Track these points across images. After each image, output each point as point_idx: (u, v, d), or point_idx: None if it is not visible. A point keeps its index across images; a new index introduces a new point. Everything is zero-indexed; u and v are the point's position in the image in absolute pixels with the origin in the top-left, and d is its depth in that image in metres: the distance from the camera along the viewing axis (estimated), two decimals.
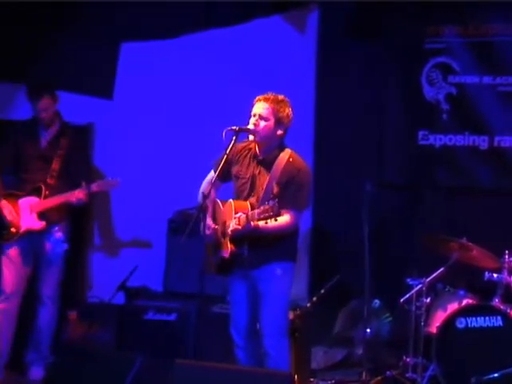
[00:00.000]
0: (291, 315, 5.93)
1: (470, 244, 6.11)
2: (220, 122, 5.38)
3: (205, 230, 5.28)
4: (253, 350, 5.40)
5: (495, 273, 6.07)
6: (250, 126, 5.30)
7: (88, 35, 7.38)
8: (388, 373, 6.26)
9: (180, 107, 7.40)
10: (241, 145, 5.42)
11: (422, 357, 6.09)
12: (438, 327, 6.04)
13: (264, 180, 5.28)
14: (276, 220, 5.02)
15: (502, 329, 5.90)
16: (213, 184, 5.25)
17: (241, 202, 5.31)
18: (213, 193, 5.42)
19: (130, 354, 5.22)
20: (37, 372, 6.33)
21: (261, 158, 5.36)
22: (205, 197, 5.16)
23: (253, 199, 5.30)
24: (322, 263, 7.26)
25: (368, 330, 6.46)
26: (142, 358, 5.03)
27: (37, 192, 6.26)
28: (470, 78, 7.06)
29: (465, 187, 7.08)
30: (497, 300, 6.03)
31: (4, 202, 6.25)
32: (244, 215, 5.13)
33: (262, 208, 5.03)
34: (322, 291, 6.51)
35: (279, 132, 5.32)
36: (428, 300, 6.16)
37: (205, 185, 5.49)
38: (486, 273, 6.09)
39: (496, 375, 5.80)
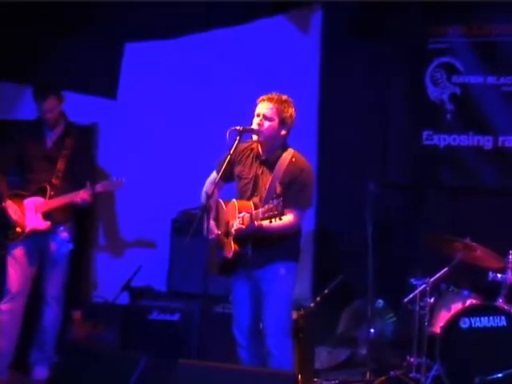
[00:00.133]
0: (295, 315, 5.94)
1: (474, 244, 6.11)
2: (223, 122, 5.39)
3: (208, 234, 5.29)
4: (256, 350, 5.40)
5: (499, 273, 6.06)
6: (254, 126, 5.30)
7: (92, 35, 7.39)
8: (392, 373, 6.25)
9: (184, 107, 7.41)
10: (243, 145, 5.41)
11: (425, 357, 6.08)
12: (441, 327, 6.04)
13: (267, 180, 5.28)
14: (280, 219, 5.03)
15: (505, 329, 5.90)
16: (216, 184, 5.25)
17: (244, 202, 5.31)
18: (216, 193, 5.41)
19: (134, 353, 5.22)
20: (41, 372, 6.34)
21: (263, 157, 5.36)
22: (208, 197, 5.15)
23: (256, 199, 5.31)
24: (326, 263, 7.26)
25: (372, 330, 6.48)
26: (146, 358, 5.03)
27: (42, 192, 6.27)
28: (474, 78, 7.05)
29: (469, 187, 7.08)
30: (501, 300, 6.03)
31: (9, 202, 6.26)
32: (248, 215, 5.14)
33: (266, 207, 5.03)
34: (326, 291, 6.52)
35: (283, 132, 5.32)
36: (432, 300, 6.16)
37: (208, 185, 5.50)
38: (490, 273, 6.09)
39: (500, 375, 5.80)
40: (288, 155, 5.31)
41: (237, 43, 7.39)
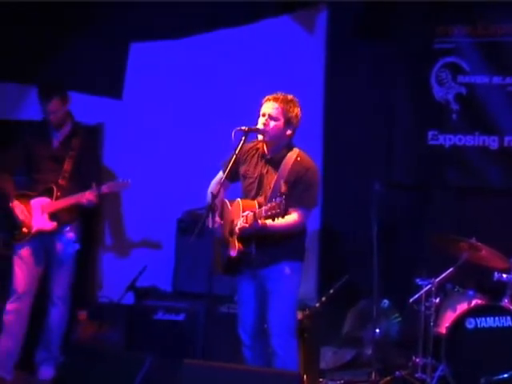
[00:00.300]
0: (300, 315, 5.94)
1: (480, 244, 6.10)
2: (229, 122, 5.39)
3: (213, 224, 5.28)
4: (260, 350, 5.40)
5: (505, 273, 6.06)
6: (260, 126, 5.30)
7: (97, 35, 7.40)
8: (397, 373, 6.25)
9: (189, 107, 7.41)
10: (248, 145, 5.42)
11: (431, 357, 6.07)
12: (447, 327, 6.03)
13: (272, 179, 5.29)
14: (283, 217, 5.02)
15: (511, 329, 5.89)
16: (221, 184, 5.25)
17: (248, 201, 5.32)
18: (221, 193, 5.42)
19: (140, 353, 5.24)
20: (47, 372, 6.34)
21: (269, 157, 5.36)
22: (214, 197, 5.15)
23: (261, 198, 5.31)
24: (331, 263, 7.26)
25: (377, 330, 6.48)
26: (152, 358, 5.04)
27: (48, 193, 6.28)
28: (479, 78, 7.04)
29: (474, 187, 7.06)
30: (506, 300, 6.02)
31: (16, 202, 6.27)
32: (251, 213, 5.14)
33: (268, 205, 5.04)
34: (331, 291, 6.51)
35: (288, 132, 5.32)
36: (437, 300, 6.15)
37: (213, 185, 5.50)
38: (496, 273, 6.08)
39: (506, 375, 5.79)
40: (293, 154, 5.31)
41: (242, 43, 7.39)
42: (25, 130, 6.65)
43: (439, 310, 6.23)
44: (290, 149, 5.35)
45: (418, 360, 6.15)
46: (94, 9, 7.26)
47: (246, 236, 5.21)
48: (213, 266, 5.27)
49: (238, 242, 5.23)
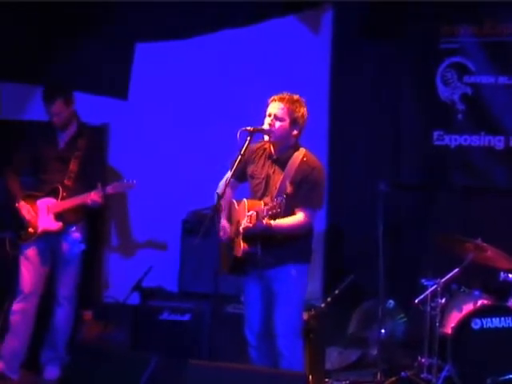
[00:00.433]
0: (306, 316, 5.93)
1: (485, 244, 6.09)
2: (234, 123, 5.39)
3: (219, 233, 5.30)
4: (266, 350, 5.39)
5: (510, 273, 6.05)
6: (265, 127, 5.30)
7: (103, 36, 7.40)
8: (403, 373, 6.24)
9: (194, 107, 7.41)
10: (256, 145, 5.42)
11: (437, 357, 6.07)
12: (453, 328, 6.02)
13: (278, 179, 5.28)
14: (289, 217, 5.01)
15: None
16: (227, 185, 5.24)
17: (255, 201, 5.31)
18: (230, 193, 5.43)
19: (145, 354, 5.22)
20: (52, 371, 6.34)
21: (275, 157, 5.36)
22: (219, 197, 5.16)
23: (267, 198, 5.30)
24: (337, 263, 7.26)
25: (382, 331, 6.47)
26: (157, 358, 5.03)
27: (54, 193, 6.28)
28: (485, 78, 7.04)
29: (480, 187, 7.05)
30: None
31: (23, 202, 6.28)
32: (255, 213, 5.15)
33: (269, 205, 5.05)
34: (336, 291, 6.51)
35: (294, 132, 5.31)
36: (443, 301, 6.14)
37: (221, 186, 5.50)
38: (501, 273, 6.08)
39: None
40: (300, 154, 5.30)
41: (247, 43, 7.39)
42: (31, 130, 6.66)
43: (445, 311, 6.22)
44: (296, 149, 5.34)
45: (423, 360, 6.14)
46: (100, 9, 7.27)
47: (251, 236, 5.21)
48: (219, 266, 5.28)
49: (244, 242, 5.23)
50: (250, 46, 7.38)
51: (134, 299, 6.89)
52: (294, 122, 5.29)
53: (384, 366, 6.37)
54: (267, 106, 5.35)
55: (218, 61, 7.40)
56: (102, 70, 7.43)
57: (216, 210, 5.16)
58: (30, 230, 6.26)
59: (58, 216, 6.26)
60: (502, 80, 6.97)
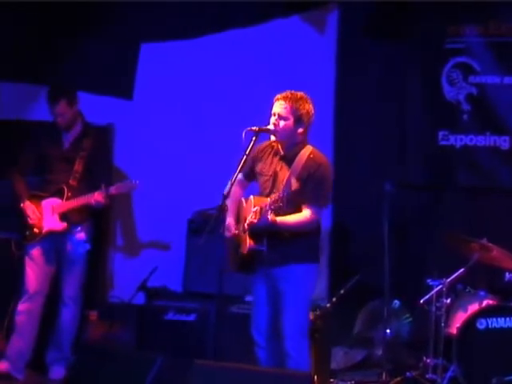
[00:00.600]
0: (311, 316, 5.92)
1: (491, 244, 6.08)
2: (239, 123, 5.40)
3: (224, 232, 5.31)
4: (274, 350, 5.37)
5: None
6: (270, 126, 5.29)
7: (108, 36, 7.41)
8: (408, 374, 6.24)
9: (199, 107, 7.42)
10: (264, 143, 5.43)
11: (442, 358, 6.06)
12: (458, 328, 6.01)
13: (285, 176, 5.27)
14: (289, 214, 5.02)
15: None
16: (233, 184, 5.22)
17: (261, 198, 5.32)
18: (239, 192, 5.45)
19: (150, 354, 5.23)
20: (58, 372, 6.35)
21: (282, 154, 5.36)
22: (224, 197, 5.16)
23: (274, 195, 5.31)
24: (342, 263, 7.25)
25: (388, 331, 6.47)
26: (162, 358, 5.04)
27: (59, 193, 6.29)
28: (490, 78, 7.03)
29: (485, 187, 7.05)
30: None
31: (28, 202, 6.29)
32: (259, 208, 5.16)
33: (272, 199, 5.06)
34: (342, 291, 6.50)
35: (300, 130, 5.30)
36: (448, 301, 6.14)
37: (229, 185, 5.49)
38: (507, 273, 6.09)
39: None
40: (307, 151, 5.28)
41: (252, 44, 7.39)
42: (36, 130, 6.67)
43: (450, 311, 6.22)
44: (303, 146, 5.32)
45: (428, 360, 6.14)
46: (105, 9, 7.27)
47: (257, 233, 5.20)
48: (226, 264, 5.29)
49: (250, 238, 5.23)
50: (256, 46, 7.38)
51: (139, 299, 6.89)
52: (298, 120, 5.27)
53: (389, 366, 6.37)
54: (272, 105, 5.35)
55: (223, 61, 7.40)
56: (107, 70, 7.43)
57: (221, 210, 5.16)
58: (35, 230, 6.27)
59: (63, 216, 6.27)
60: (508, 80, 6.97)
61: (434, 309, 6.14)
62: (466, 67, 7.08)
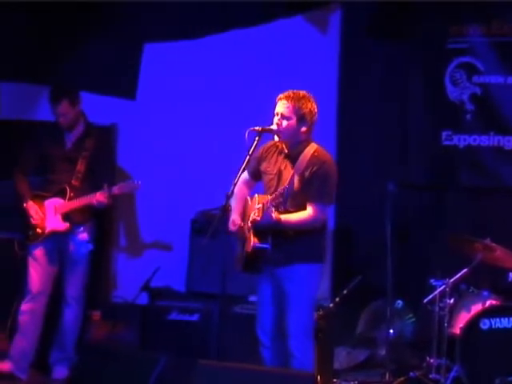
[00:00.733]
0: (314, 316, 5.92)
1: (494, 244, 6.07)
2: (242, 123, 5.39)
3: (229, 227, 5.30)
4: (279, 350, 5.37)
5: None
6: (273, 126, 5.29)
7: (111, 36, 7.42)
8: (411, 374, 6.22)
9: (203, 107, 7.42)
10: (270, 142, 5.43)
11: (445, 358, 6.05)
12: (461, 328, 6.01)
13: (289, 174, 5.27)
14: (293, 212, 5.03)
15: None
16: (236, 184, 5.22)
17: (265, 196, 5.32)
18: (245, 192, 5.46)
19: (154, 354, 5.23)
20: (61, 372, 6.34)
21: (287, 152, 5.36)
22: (227, 197, 5.16)
23: (276, 192, 5.32)
24: (345, 263, 7.25)
25: (391, 331, 6.47)
26: (166, 358, 5.04)
27: (62, 193, 6.28)
28: (494, 78, 7.02)
29: (489, 187, 7.05)
30: None
31: (31, 202, 6.29)
32: (261, 205, 5.16)
33: (273, 195, 5.06)
34: (345, 292, 6.50)
35: (303, 129, 5.29)
36: (451, 301, 6.13)
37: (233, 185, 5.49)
38: (510, 273, 6.08)
39: None
40: (311, 149, 5.28)
41: (255, 44, 7.40)
42: (39, 130, 6.67)
43: (453, 311, 6.21)
44: (307, 144, 5.32)
45: (432, 361, 6.13)
46: (109, 9, 7.28)
47: (261, 231, 5.20)
48: (235, 263, 5.31)
49: (254, 237, 5.22)
50: (258, 46, 7.38)
51: (143, 299, 6.89)
52: (301, 119, 5.27)
53: (392, 366, 6.36)
54: (275, 105, 5.35)
55: (226, 61, 7.41)
56: (110, 71, 7.44)
57: (224, 210, 5.16)
58: (38, 230, 6.26)
59: (66, 216, 6.27)
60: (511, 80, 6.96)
61: (437, 309, 6.13)
62: (469, 67, 7.08)
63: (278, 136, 5.31)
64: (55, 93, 6.30)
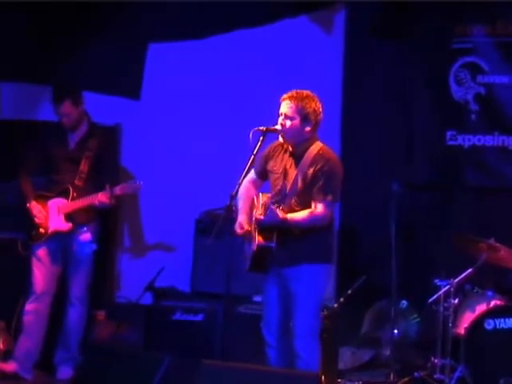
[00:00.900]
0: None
1: (499, 244, 6.07)
2: (247, 123, 5.40)
3: (236, 229, 5.31)
4: (285, 350, 5.36)
5: None
6: (277, 126, 5.30)
7: (116, 36, 7.41)
8: (416, 374, 6.22)
9: (207, 108, 7.41)
10: (277, 142, 5.43)
11: (450, 358, 6.05)
12: (466, 328, 6.00)
13: (294, 173, 5.29)
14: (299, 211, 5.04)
15: None
16: (240, 184, 5.22)
17: (268, 194, 5.34)
18: (252, 191, 5.46)
19: (158, 354, 5.24)
20: (66, 372, 6.35)
21: (292, 151, 5.36)
22: (232, 197, 5.16)
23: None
24: (349, 263, 7.23)
25: (395, 331, 6.46)
26: (170, 358, 5.04)
27: (65, 193, 6.30)
28: (498, 77, 7.01)
29: (493, 187, 7.04)
30: None
31: (34, 202, 6.30)
32: (263, 204, 5.18)
33: (273, 192, 5.08)
34: (349, 292, 6.50)
35: (307, 128, 5.29)
36: (456, 301, 6.13)
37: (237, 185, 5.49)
38: None
39: None
40: (316, 148, 5.30)
41: (260, 44, 7.39)
42: (42, 130, 6.67)
43: (458, 311, 6.21)
44: (312, 142, 5.33)
45: (436, 361, 6.12)
46: (113, 9, 7.27)
47: (266, 229, 5.20)
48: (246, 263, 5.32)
49: (259, 235, 5.22)
50: (263, 47, 7.37)
51: (147, 299, 6.89)
52: (305, 119, 5.27)
53: (397, 367, 6.36)
54: (279, 105, 5.35)
55: (230, 61, 7.40)
56: (114, 70, 7.44)
57: (229, 210, 5.16)
58: (41, 230, 6.28)
59: (69, 216, 6.28)
60: None
61: (441, 309, 6.13)
62: (474, 67, 7.07)
63: (282, 136, 5.32)
64: (57, 93, 6.31)
